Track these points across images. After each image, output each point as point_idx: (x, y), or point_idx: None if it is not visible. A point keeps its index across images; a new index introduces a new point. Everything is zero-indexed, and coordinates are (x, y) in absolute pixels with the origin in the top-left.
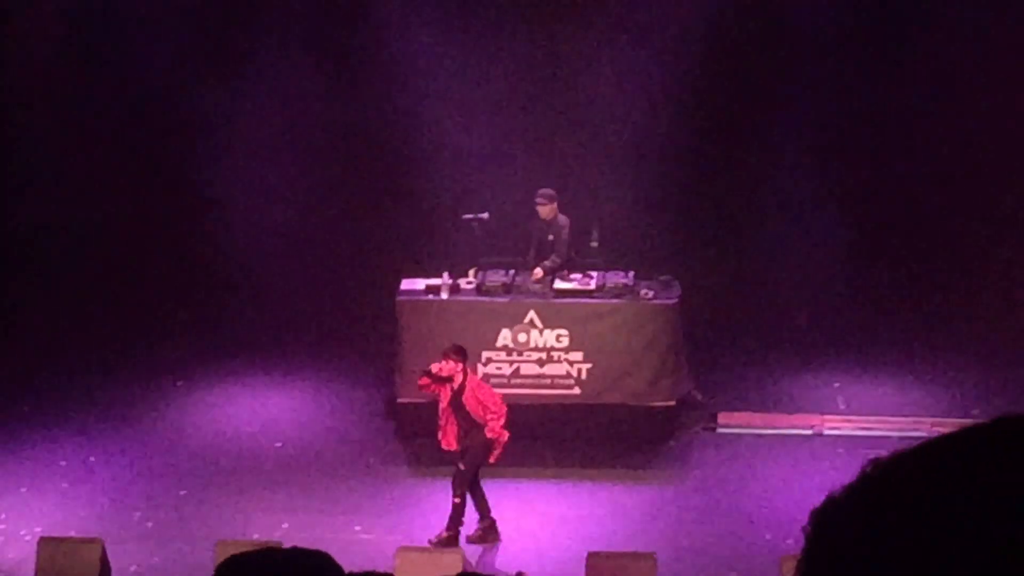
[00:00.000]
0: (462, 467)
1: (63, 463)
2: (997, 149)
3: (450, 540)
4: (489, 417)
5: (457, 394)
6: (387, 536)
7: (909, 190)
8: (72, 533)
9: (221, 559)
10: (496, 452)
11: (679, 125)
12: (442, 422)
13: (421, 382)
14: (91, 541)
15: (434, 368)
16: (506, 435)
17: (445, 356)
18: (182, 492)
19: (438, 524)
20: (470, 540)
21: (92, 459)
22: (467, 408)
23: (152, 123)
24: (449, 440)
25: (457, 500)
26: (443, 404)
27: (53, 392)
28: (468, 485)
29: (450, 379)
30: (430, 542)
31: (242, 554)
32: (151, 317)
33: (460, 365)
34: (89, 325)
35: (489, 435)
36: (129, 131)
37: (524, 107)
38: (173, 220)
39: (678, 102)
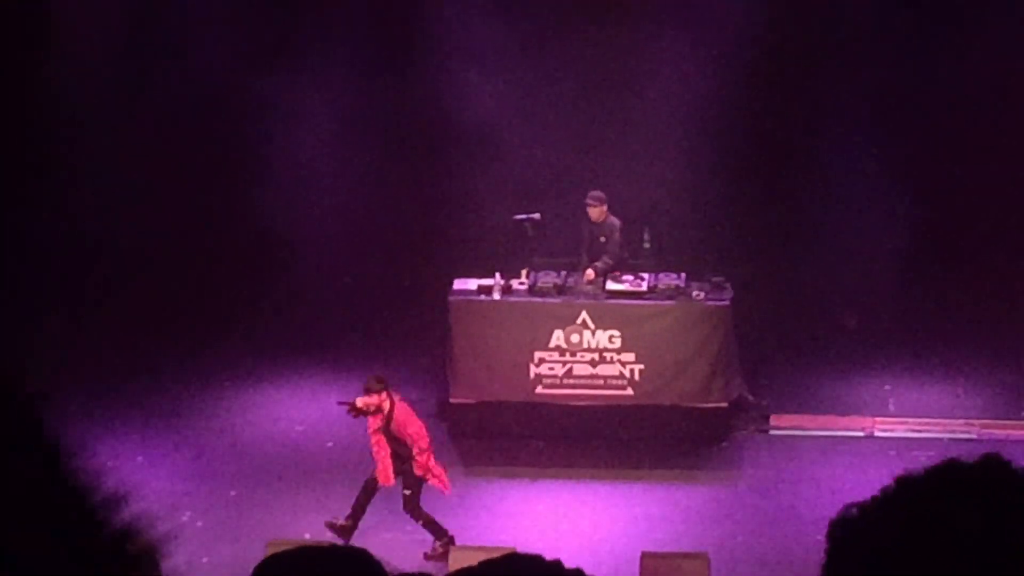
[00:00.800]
0: (407, 492)
1: (111, 463)
2: None
3: (445, 551)
4: (416, 452)
5: (387, 421)
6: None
7: (962, 192)
8: None
9: None
10: (436, 480)
11: (731, 127)
12: (375, 452)
13: (350, 413)
14: None
15: (359, 403)
16: (433, 467)
17: (367, 390)
18: (232, 492)
19: (490, 524)
20: (427, 558)
21: (140, 459)
22: (396, 435)
23: (202, 124)
24: (387, 475)
25: (421, 522)
26: (372, 428)
27: (101, 392)
28: (418, 505)
29: (379, 409)
30: (426, 556)
31: (280, 553)
32: (200, 317)
33: (383, 395)
34: (138, 326)
35: (418, 472)
36: (180, 131)
37: (577, 108)
38: (222, 221)
39: (731, 103)
